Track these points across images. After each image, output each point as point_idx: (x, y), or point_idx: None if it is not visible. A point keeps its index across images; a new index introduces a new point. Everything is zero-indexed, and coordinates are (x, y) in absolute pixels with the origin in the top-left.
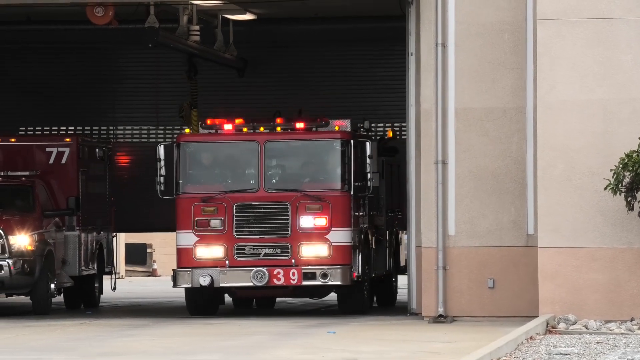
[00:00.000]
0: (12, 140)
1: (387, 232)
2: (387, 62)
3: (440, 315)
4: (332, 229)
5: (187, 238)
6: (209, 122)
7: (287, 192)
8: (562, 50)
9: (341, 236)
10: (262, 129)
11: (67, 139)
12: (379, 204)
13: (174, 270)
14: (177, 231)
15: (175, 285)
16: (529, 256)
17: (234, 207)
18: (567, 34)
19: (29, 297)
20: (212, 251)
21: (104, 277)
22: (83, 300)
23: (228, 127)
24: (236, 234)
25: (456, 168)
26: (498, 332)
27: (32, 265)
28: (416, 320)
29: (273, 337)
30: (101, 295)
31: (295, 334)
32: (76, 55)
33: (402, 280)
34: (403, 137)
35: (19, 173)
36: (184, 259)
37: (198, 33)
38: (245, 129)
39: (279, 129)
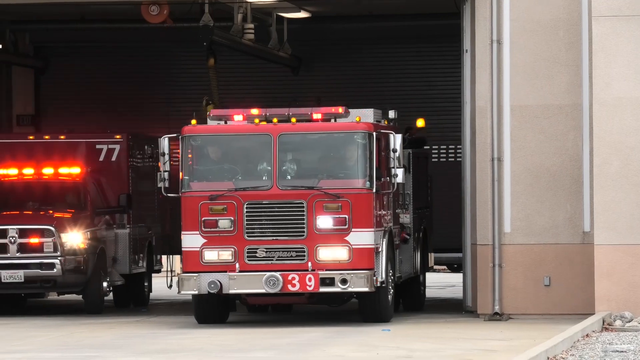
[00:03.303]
0: (62, 137)
1: (414, 230)
2: (441, 59)
3: (496, 313)
4: (353, 230)
5: (193, 240)
6: (216, 112)
7: (303, 189)
8: (617, 47)
9: (363, 238)
10: (275, 120)
11: (118, 136)
12: (404, 201)
13: (178, 275)
14: (183, 232)
15: (180, 292)
16: (585, 253)
17: (245, 206)
18: (622, 31)
19: (81, 296)
20: (221, 254)
21: (154, 275)
22: (132, 299)
23: (238, 117)
24: (247, 236)
25: (512, 165)
26: (554, 330)
27: (85, 264)
28: (471, 318)
29: (327, 334)
30: (152, 293)
31: (349, 332)
32: (130, 57)
33: (430, 278)
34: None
35: (69, 170)
36: (190, 263)
37: (252, 31)
38: (257, 120)
39: (294, 119)
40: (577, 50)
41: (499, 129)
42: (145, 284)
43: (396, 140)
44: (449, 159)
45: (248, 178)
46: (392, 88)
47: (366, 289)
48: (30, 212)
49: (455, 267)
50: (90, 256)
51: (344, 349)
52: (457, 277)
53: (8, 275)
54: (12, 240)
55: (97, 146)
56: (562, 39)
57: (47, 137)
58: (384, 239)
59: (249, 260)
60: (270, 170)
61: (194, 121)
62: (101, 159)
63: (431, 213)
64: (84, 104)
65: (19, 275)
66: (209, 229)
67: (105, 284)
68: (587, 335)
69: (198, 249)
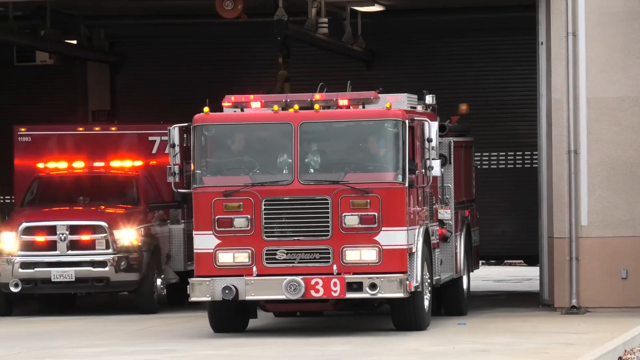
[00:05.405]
0: (113, 128)
1: (456, 227)
2: (516, 52)
3: (573, 307)
4: (383, 229)
5: (206, 240)
6: (233, 98)
7: (328, 184)
8: None
9: (394, 238)
10: (296, 107)
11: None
12: (444, 195)
13: (190, 279)
14: (195, 232)
15: (191, 298)
16: None
17: (263, 202)
18: None
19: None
20: (237, 256)
21: None
22: (187, 298)
23: (256, 104)
24: (265, 236)
25: (588, 158)
26: (631, 323)
27: (139, 261)
28: (548, 312)
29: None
30: None
31: None
32: (204, 52)
33: (505, 271)
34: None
35: (121, 163)
36: (203, 266)
37: (326, 25)
38: (276, 108)
39: (317, 107)
40: None
41: (575, 121)
42: None
43: (431, 129)
44: (517, 165)
45: (266, 172)
46: (466, 80)
47: (398, 295)
48: (81, 208)
49: (531, 260)
50: (144, 253)
51: (420, 342)
52: (533, 271)
53: (58, 274)
54: (62, 238)
55: (150, 138)
56: (637, 30)
57: (97, 128)
58: (419, 238)
59: (267, 262)
60: (291, 163)
61: (206, 109)
62: (154, 151)
63: (476, 208)
64: (159, 100)
65: (69, 274)
66: (223, 229)
67: (159, 282)
68: None
69: (211, 251)
